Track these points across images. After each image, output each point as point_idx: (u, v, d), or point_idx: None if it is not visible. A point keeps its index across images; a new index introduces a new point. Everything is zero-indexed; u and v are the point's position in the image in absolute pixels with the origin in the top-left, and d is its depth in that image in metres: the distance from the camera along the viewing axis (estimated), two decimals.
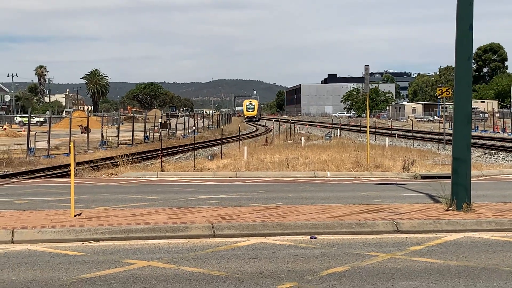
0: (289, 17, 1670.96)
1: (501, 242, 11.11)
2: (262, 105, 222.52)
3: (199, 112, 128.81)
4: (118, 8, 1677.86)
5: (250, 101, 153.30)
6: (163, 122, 71.01)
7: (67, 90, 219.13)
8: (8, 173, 27.13)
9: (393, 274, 8.77)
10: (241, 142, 44.73)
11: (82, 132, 57.57)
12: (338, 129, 68.88)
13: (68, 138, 42.27)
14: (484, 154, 37.80)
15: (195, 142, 42.51)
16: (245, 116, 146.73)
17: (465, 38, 13.39)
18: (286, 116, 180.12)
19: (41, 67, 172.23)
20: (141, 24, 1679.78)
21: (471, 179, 13.73)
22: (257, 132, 69.01)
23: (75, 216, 12.49)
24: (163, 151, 33.04)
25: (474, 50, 14.53)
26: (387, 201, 15.99)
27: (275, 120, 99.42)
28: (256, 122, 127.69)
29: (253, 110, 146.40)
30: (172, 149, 43.23)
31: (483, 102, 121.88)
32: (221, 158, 33.10)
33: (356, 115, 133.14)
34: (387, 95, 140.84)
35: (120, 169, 27.41)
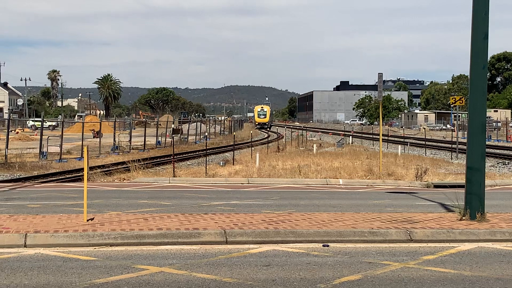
0: (302, 23, 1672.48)
1: None
2: (273, 112, 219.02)
3: (211, 118, 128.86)
4: (132, 13, 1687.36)
5: (262, 107, 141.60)
6: (175, 127, 71.24)
7: (80, 95, 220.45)
8: (21, 176, 27.25)
9: (406, 284, 8.73)
10: (253, 148, 44.74)
11: (94, 137, 57.81)
12: (350, 136, 68.78)
13: (80, 143, 42.49)
14: (498, 163, 37.63)
15: (207, 148, 42.57)
16: (256, 123, 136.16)
17: (480, 47, 13.35)
18: (298, 123, 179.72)
19: (54, 71, 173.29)
20: (154, 29, 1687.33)
21: (485, 189, 13.67)
22: (269, 139, 69.03)
23: (87, 220, 12.52)
24: (175, 157, 33.09)
25: (488, 59, 14.45)
26: (400, 209, 15.93)
27: (287, 127, 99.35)
28: (268, 129, 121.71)
29: (265, 117, 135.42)
30: (184, 155, 43.32)
31: (496, 111, 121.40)
32: (233, 164, 33.13)
33: (368, 123, 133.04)
34: (399, 103, 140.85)
35: (132, 174, 27.49)
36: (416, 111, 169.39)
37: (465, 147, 14.27)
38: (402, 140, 58.61)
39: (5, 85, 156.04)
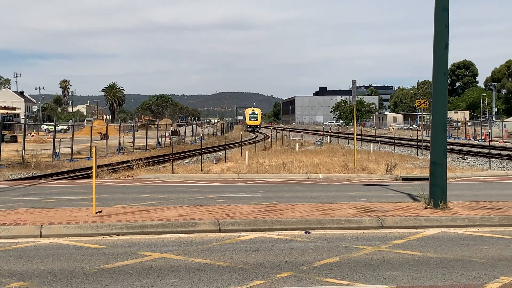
0: (286, 37, 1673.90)
1: (473, 236, 11.11)
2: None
3: (205, 121, 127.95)
4: (135, 28, 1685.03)
5: (253, 110, 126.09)
6: (173, 130, 71.10)
7: (88, 101, 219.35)
8: (36, 175, 27.14)
9: (378, 265, 8.77)
10: (242, 147, 44.70)
11: (101, 139, 57.53)
12: (328, 136, 68.82)
13: (89, 144, 42.28)
14: (458, 158, 37.81)
15: (202, 147, 42.49)
16: (248, 126, 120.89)
17: (442, 56, 13.43)
18: (282, 125, 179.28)
19: (64, 81, 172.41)
20: (154, 43, 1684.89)
21: (447, 181, 13.75)
22: (257, 139, 68.99)
23: (96, 213, 12.48)
24: (174, 156, 33.01)
25: (448, 66, 14.51)
26: (372, 200, 15.98)
27: (272, 128, 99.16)
28: (257, 131, 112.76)
29: (256, 119, 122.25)
30: (181, 154, 43.19)
31: (456, 112, 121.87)
32: (225, 162, 33.10)
33: (344, 124, 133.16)
34: (371, 106, 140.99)
35: (136, 171, 27.42)
36: (386, 113, 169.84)
37: (429, 144, 14.32)
38: (374, 139, 58.73)
39: (21, 93, 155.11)
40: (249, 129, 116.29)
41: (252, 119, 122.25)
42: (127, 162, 32.37)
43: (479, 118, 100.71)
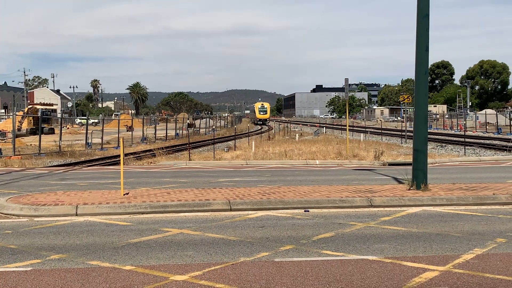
0: (287, 41, 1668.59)
1: (450, 214, 11.10)
2: None
3: (217, 115, 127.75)
4: (157, 35, 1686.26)
5: (262, 104, 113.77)
6: (189, 122, 71.09)
7: (115, 98, 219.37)
8: (71, 162, 27.21)
9: (368, 239, 8.78)
10: (249, 138, 44.66)
11: (127, 130, 57.58)
12: (324, 127, 68.69)
13: (117, 135, 42.34)
14: (437, 146, 37.68)
15: (214, 138, 42.48)
16: (258, 119, 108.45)
17: (423, 57, 13.35)
18: (284, 118, 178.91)
19: (95, 80, 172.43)
20: (174, 47, 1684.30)
21: (427, 166, 13.71)
22: (262, 130, 68.91)
23: (124, 195, 12.52)
24: (190, 145, 33.02)
25: (429, 66, 14.39)
26: (363, 182, 15.95)
27: (275, 121, 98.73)
28: (263, 124, 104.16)
29: (266, 113, 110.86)
30: (197, 143, 43.16)
31: (435, 106, 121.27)
32: (235, 150, 33.09)
33: (338, 117, 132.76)
34: (361, 101, 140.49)
35: (157, 158, 27.46)
36: (374, 107, 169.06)
37: (412, 134, 14.28)
38: (363, 129, 58.59)
39: (57, 91, 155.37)
40: (259, 122, 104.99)
41: (262, 113, 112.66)
42: (150, 150, 32.41)
43: (455, 111, 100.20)
